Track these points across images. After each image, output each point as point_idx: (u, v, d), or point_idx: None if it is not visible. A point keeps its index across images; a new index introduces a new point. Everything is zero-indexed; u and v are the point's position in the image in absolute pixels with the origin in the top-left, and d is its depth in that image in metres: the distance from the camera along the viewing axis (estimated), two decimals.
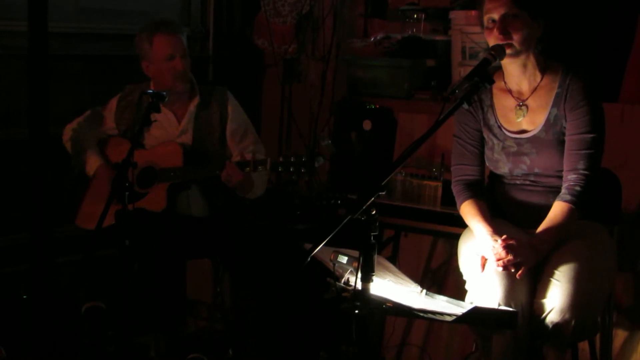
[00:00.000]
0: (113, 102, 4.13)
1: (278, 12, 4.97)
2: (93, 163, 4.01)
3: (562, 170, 3.23)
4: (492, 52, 3.12)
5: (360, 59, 4.63)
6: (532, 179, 3.31)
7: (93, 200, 4.00)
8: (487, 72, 3.03)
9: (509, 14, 3.16)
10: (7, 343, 3.72)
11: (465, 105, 2.94)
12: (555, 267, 3.11)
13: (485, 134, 3.37)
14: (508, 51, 3.16)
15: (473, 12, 4.23)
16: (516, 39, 3.16)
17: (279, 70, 5.08)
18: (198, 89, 4.07)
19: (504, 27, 3.16)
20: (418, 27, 4.57)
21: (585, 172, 3.18)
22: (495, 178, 3.43)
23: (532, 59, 3.24)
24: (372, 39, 4.66)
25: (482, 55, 3.73)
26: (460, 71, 4.30)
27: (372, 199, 2.68)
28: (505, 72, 3.32)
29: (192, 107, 4.04)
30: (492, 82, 3.05)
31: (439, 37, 4.51)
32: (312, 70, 5.02)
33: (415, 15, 4.57)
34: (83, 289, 4.12)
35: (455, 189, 3.42)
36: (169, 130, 4.04)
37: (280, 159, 3.72)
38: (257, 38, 5.08)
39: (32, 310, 4.22)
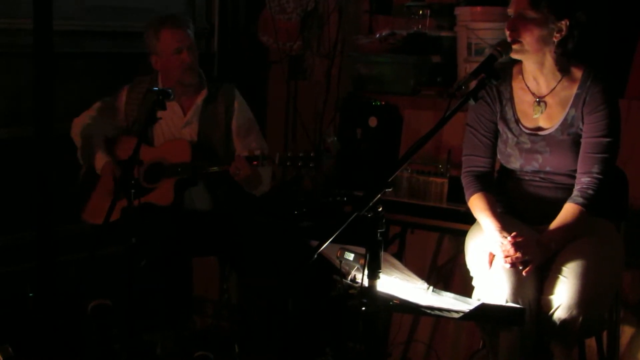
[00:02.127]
0: (123, 94, 4.13)
1: (283, 9, 4.96)
2: (100, 160, 4.01)
3: (573, 170, 3.23)
4: (499, 48, 3.10)
5: (365, 56, 4.62)
6: (542, 175, 3.30)
7: (100, 195, 4.00)
8: (493, 68, 3.02)
9: (523, 14, 3.14)
10: (14, 341, 3.71)
11: (472, 102, 2.93)
12: (563, 263, 3.10)
13: (501, 127, 3.36)
14: (514, 47, 3.15)
15: (478, 8, 4.23)
16: (525, 39, 3.14)
17: (284, 67, 5.08)
18: (206, 83, 4.08)
19: (514, 24, 3.15)
20: (423, 24, 4.56)
21: (599, 175, 3.18)
22: (505, 172, 3.42)
23: (549, 59, 3.22)
24: (377, 36, 4.65)
25: (488, 51, 3.72)
26: (466, 67, 4.29)
27: (379, 195, 2.67)
28: (523, 68, 3.30)
29: (199, 100, 4.05)
30: (498, 78, 3.04)
31: (444, 34, 4.50)
32: (317, 67, 5.01)
33: (420, 12, 4.56)
34: (89, 286, 4.12)
35: (464, 180, 3.41)
36: (173, 121, 4.04)
37: (289, 154, 3.73)
38: (262, 35, 5.08)
39: (39, 308, 4.22)
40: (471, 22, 4.24)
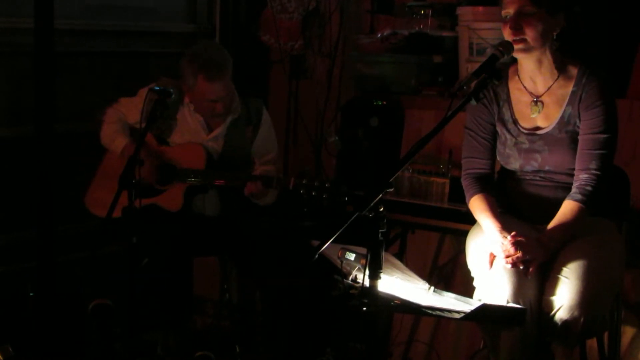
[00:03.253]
0: (143, 93, 4.02)
1: (284, 8, 4.96)
2: (121, 141, 4.00)
3: (573, 169, 3.23)
4: (500, 48, 3.10)
5: (367, 55, 4.62)
6: (542, 175, 3.30)
7: (102, 183, 3.99)
8: (495, 68, 3.02)
9: (523, 11, 3.15)
10: (14, 341, 3.71)
11: (473, 102, 2.94)
12: (564, 264, 3.10)
13: (499, 128, 3.36)
14: (519, 46, 3.15)
15: (480, 8, 4.23)
16: (530, 35, 3.14)
17: (286, 66, 5.08)
18: (239, 104, 4.04)
19: (517, 23, 3.15)
20: (425, 23, 4.56)
21: (597, 172, 3.17)
22: (506, 172, 3.42)
23: (548, 55, 3.22)
24: (378, 35, 4.65)
25: (489, 51, 3.72)
26: (468, 67, 4.29)
27: (380, 195, 2.67)
28: (519, 68, 3.30)
29: (229, 120, 4.02)
30: (500, 78, 3.04)
31: (446, 33, 4.50)
32: (319, 66, 5.01)
33: (422, 11, 4.56)
34: (90, 286, 4.12)
35: (464, 183, 3.41)
36: (197, 133, 4.01)
37: (304, 182, 3.70)
38: (264, 34, 5.08)
39: (39, 307, 4.22)
40: (473, 22, 4.25)
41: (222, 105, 3.92)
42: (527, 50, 3.17)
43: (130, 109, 4.05)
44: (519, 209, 3.37)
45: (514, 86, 3.35)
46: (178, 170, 3.91)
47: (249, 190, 3.79)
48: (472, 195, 3.37)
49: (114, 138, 4.02)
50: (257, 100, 4.15)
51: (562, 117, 3.24)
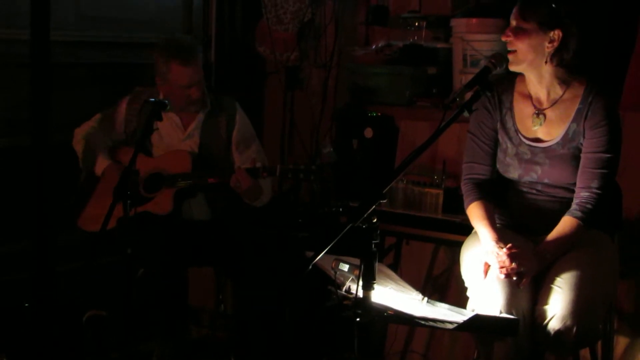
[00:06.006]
0: (123, 105, 4.13)
1: (280, 20, 4.98)
2: (101, 163, 4.03)
3: (571, 183, 3.25)
4: (493, 60, 3.13)
5: (361, 67, 4.64)
6: (539, 187, 3.31)
7: (97, 202, 4.01)
8: (487, 80, 3.04)
9: (517, 25, 3.20)
10: (9, 351, 3.71)
11: (466, 114, 2.95)
12: (557, 274, 3.11)
13: (501, 135, 3.38)
14: (510, 57, 3.19)
15: (474, 20, 4.25)
16: (519, 48, 3.19)
17: (281, 77, 5.10)
18: (208, 98, 4.09)
19: (508, 34, 3.20)
20: (419, 35, 4.58)
21: (598, 191, 3.19)
22: (503, 182, 3.43)
23: (548, 70, 3.24)
24: (373, 47, 4.67)
25: (483, 63, 3.74)
26: (462, 79, 4.30)
27: (374, 206, 2.69)
28: (525, 79, 3.33)
29: (202, 115, 4.06)
30: (492, 90, 3.07)
31: (440, 45, 4.52)
32: (314, 77, 5.03)
33: (416, 23, 4.58)
34: (85, 297, 4.13)
35: (464, 188, 3.42)
36: (174, 134, 4.05)
37: (290, 166, 3.75)
38: (259, 45, 5.10)
39: (34, 318, 4.22)
40: (467, 34, 4.26)
41: (196, 89, 3.96)
42: (516, 62, 3.21)
43: (114, 119, 4.09)
44: (515, 220, 3.38)
45: (518, 95, 3.36)
46: (165, 176, 3.94)
47: (235, 180, 3.80)
48: (470, 202, 3.38)
49: (92, 159, 4.06)
50: (230, 98, 4.20)
51: (566, 133, 3.26)
